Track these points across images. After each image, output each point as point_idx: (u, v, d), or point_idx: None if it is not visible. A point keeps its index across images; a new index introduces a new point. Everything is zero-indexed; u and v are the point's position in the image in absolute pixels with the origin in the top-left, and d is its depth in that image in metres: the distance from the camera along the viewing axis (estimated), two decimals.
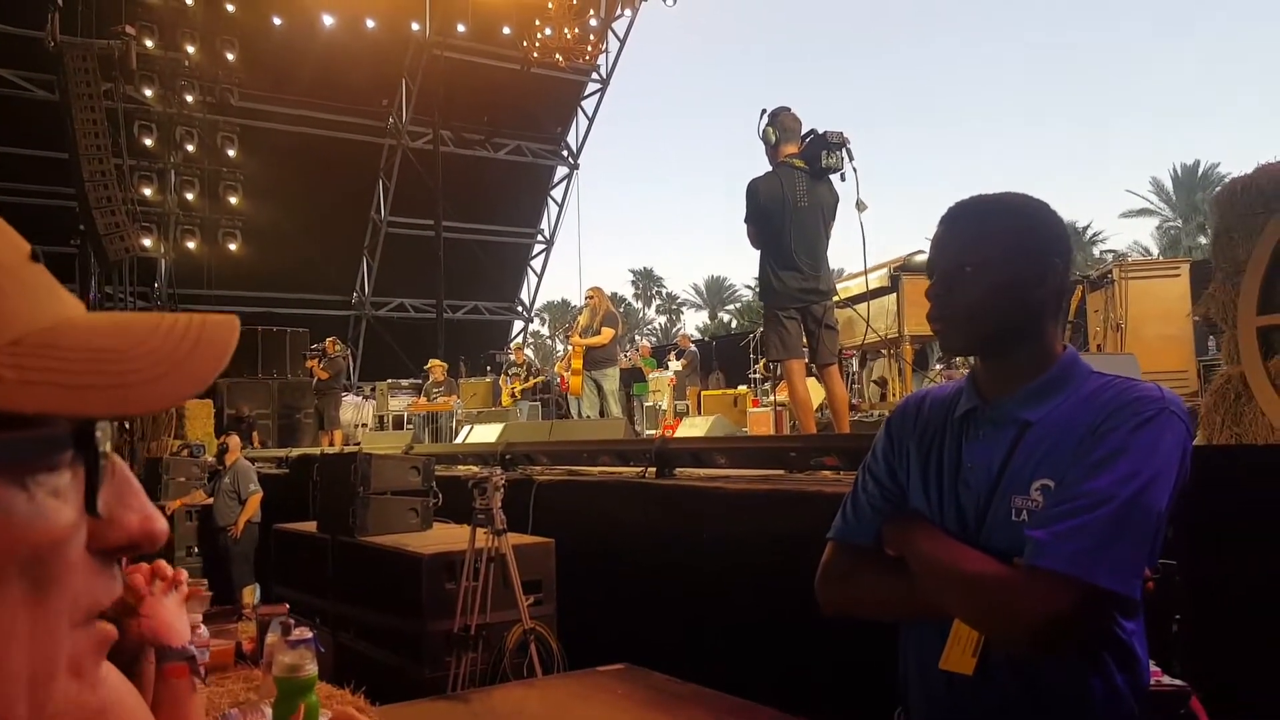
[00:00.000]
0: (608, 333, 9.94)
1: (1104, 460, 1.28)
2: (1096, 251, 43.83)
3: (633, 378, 13.51)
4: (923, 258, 6.66)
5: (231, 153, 17.58)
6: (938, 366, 8.58)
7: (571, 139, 23.73)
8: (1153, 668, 1.41)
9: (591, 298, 10.24)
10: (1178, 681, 1.46)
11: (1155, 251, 42.07)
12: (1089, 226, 46.37)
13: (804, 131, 5.40)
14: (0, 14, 15.82)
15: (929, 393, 1.59)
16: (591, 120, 23.52)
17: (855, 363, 10.45)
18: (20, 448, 0.38)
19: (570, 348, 10.31)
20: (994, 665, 1.34)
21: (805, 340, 5.40)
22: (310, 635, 1.59)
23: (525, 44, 18.52)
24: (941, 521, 1.43)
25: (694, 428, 8.94)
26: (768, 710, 2.09)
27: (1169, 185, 44.13)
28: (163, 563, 1.58)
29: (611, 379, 10.04)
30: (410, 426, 13.88)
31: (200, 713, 1.47)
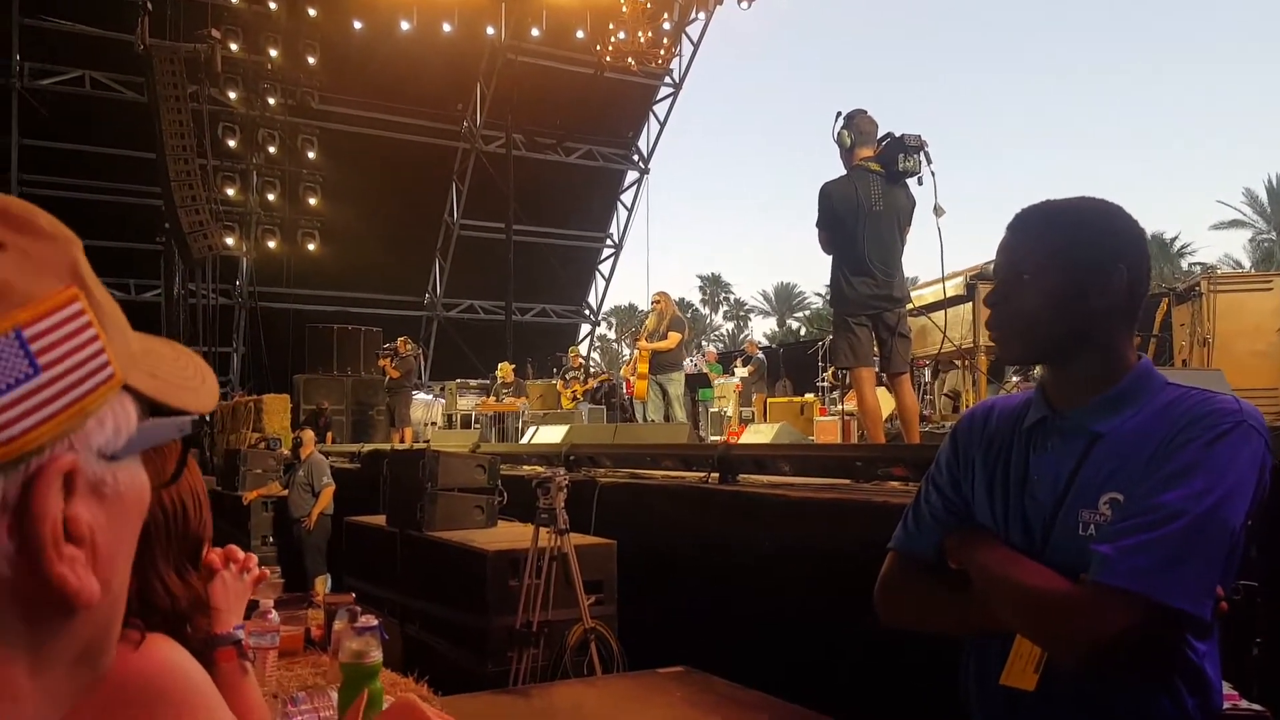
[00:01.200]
0: (674, 337, 9.94)
1: (1176, 474, 1.24)
2: (1185, 264, 42.37)
3: (698, 383, 13.47)
4: None
5: (311, 155, 18.06)
6: (1014, 378, 8.39)
7: (642, 143, 23.83)
8: (1229, 691, 1.36)
9: (658, 302, 10.25)
10: (1256, 706, 1.40)
11: (1247, 265, 40.44)
12: (1176, 238, 44.84)
13: (881, 134, 5.32)
14: (93, 18, 16.49)
15: (996, 402, 1.55)
16: (663, 124, 23.60)
17: (928, 373, 10.27)
18: (162, 432, 0.47)
19: (636, 352, 10.34)
20: (1056, 682, 1.31)
21: (876, 348, 5.31)
22: (375, 623, 1.62)
23: (599, 48, 18.62)
24: (1006, 534, 1.40)
25: (759, 435, 8.89)
26: None
27: (1263, 196, 42.37)
28: (234, 547, 1.63)
29: (677, 384, 10.03)
30: (477, 426, 14.06)
31: (253, 694, 1.50)
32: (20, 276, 0.41)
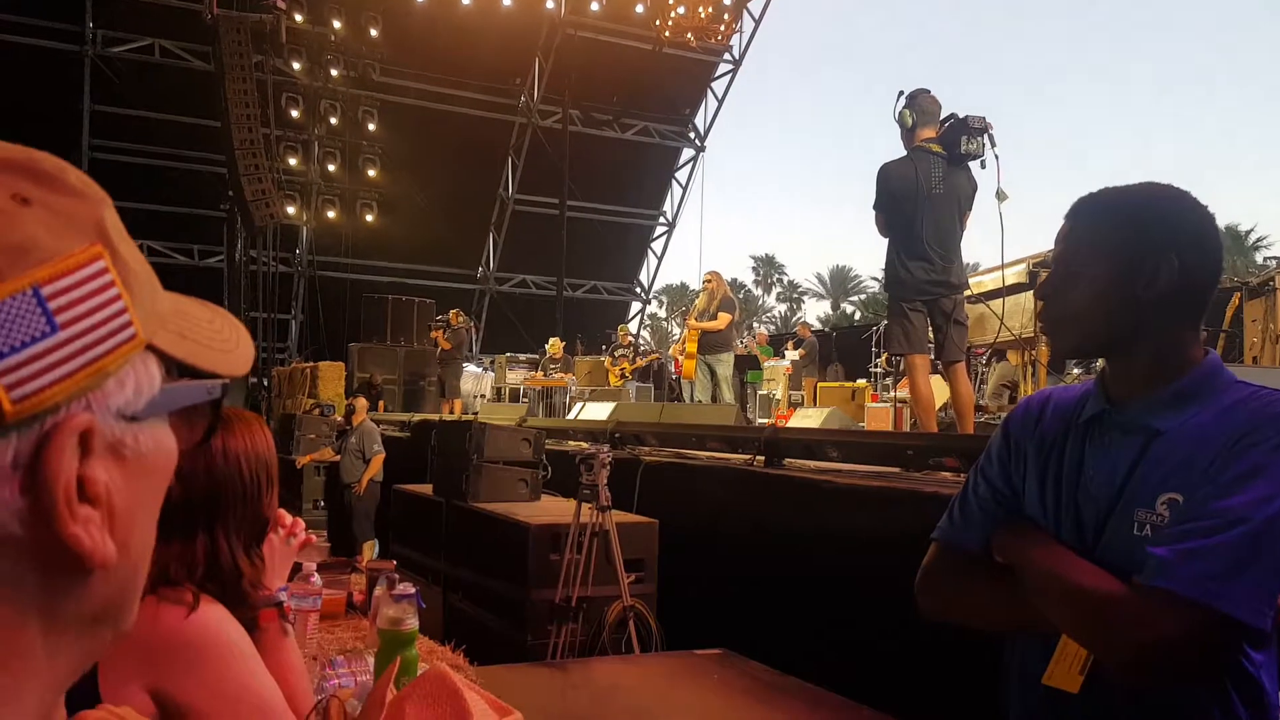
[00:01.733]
0: (724, 318, 9.88)
1: (1240, 478, 1.18)
2: (1260, 257, 41.03)
3: (748, 365, 13.40)
4: None
5: (371, 126, 18.25)
6: (1075, 370, 8.19)
7: (699, 120, 23.61)
8: None
9: (710, 281, 10.18)
10: None
11: None
12: (1252, 230, 43.40)
13: (944, 115, 5.19)
14: None
15: (1053, 394, 1.49)
16: (721, 102, 23.34)
17: (985, 361, 10.07)
18: (200, 390, 0.48)
19: (685, 331, 10.29)
20: (1102, 686, 1.26)
21: (932, 335, 5.21)
22: (413, 591, 1.63)
23: (658, 23, 18.46)
24: (1058, 530, 1.35)
25: (808, 419, 8.82)
26: (866, 710, 2.03)
27: None
28: (283, 511, 1.65)
29: (725, 364, 9.97)
30: (525, 400, 14.16)
31: (293, 655, 1.52)
32: (45, 233, 0.40)
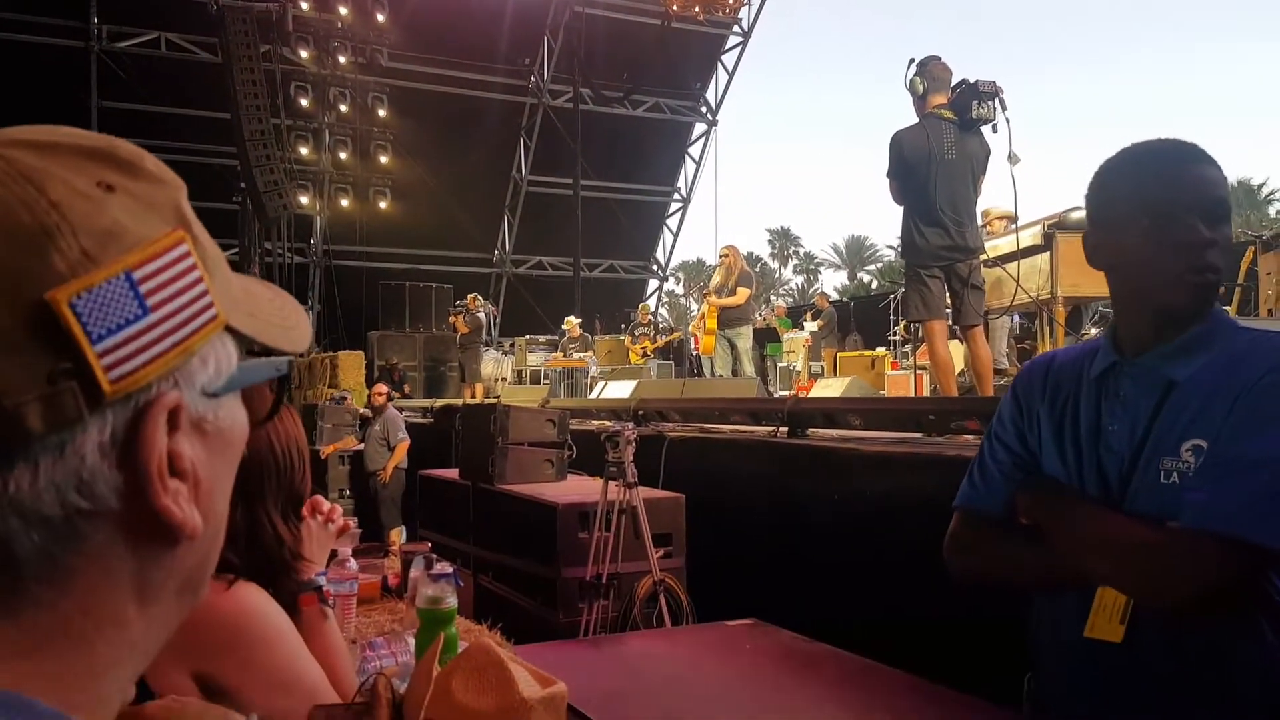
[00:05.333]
0: (743, 293, 9.86)
1: (1265, 420, 1.22)
2: (1273, 211, 40.44)
3: (767, 338, 13.39)
4: (1078, 215, 6.30)
5: (382, 113, 18.22)
6: (1093, 330, 8.14)
7: (710, 95, 23.46)
8: None
9: (726, 256, 10.16)
10: None
11: None
12: (1264, 184, 42.79)
13: (955, 81, 5.17)
14: None
15: (1055, 355, 1.53)
16: (731, 75, 23.18)
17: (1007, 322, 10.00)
18: (271, 367, 0.50)
19: (705, 307, 10.28)
20: (1143, 632, 1.29)
21: (949, 300, 5.21)
22: (450, 570, 1.66)
23: None
24: (1081, 485, 1.38)
25: (829, 389, 8.81)
26: (897, 672, 2.05)
27: None
28: (320, 498, 1.68)
29: (745, 338, 9.97)
30: (547, 381, 14.20)
31: (333, 637, 1.55)
32: (131, 219, 0.42)
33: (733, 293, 9.79)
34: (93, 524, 0.41)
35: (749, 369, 9.96)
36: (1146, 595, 1.28)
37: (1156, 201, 1.33)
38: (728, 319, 9.86)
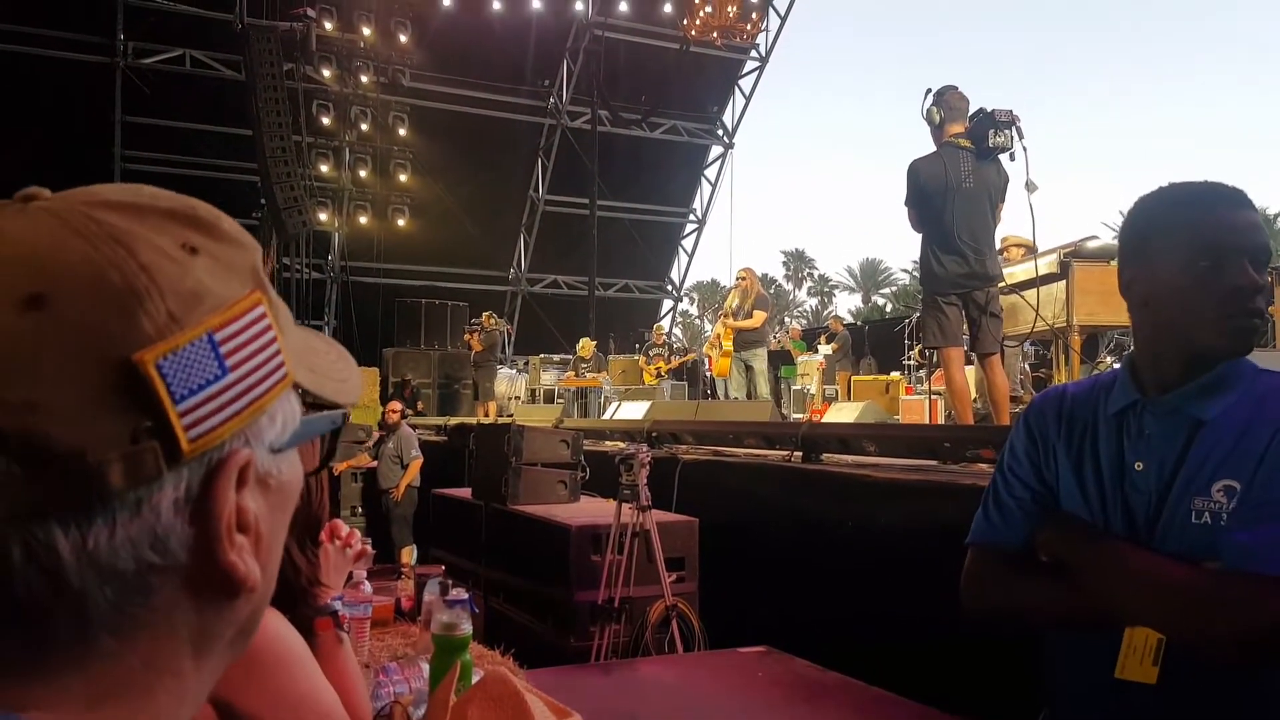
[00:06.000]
0: (759, 316, 9.88)
1: None
2: None
3: (781, 360, 13.36)
4: (1095, 243, 6.28)
5: (402, 132, 18.38)
6: (1108, 359, 8.10)
7: (727, 118, 23.56)
8: None
9: (743, 279, 10.17)
10: None
11: None
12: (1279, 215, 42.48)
13: (972, 110, 5.19)
14: None
15: (1066, 389, 1.51)
16: (748, 99, 23.27)
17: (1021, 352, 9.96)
18: (328, 421, 0.52)
19: (720, 328, 10.28)
20: (1177, 674, 1.28)
21: (966, 328, 5.21)
22: (466, 596, 1.66)
23: (685, 22, 18.45)
24: (1106, 523, 1.36)
25: (843, 413, 8.79)
26: (910, 703, 2.04)
27: None
28: (339, 522, 1.69)
29: (761, 360, 9.98)
30: (561, 401, 14.20)
31: (348, 662, 1.55)
32: (213, 281, 0.43)
33: (749, 315, 9.81)
34: (162, 578, 0.42)
35: (764, 391, 9.95)
36: (1188, 637, 1.26)
37: (1212, 243, 1.32)
38: (744, 341, 9.87)
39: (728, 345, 9.87)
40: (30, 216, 0.42)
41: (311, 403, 0.50)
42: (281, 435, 0.46)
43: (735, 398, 9.81)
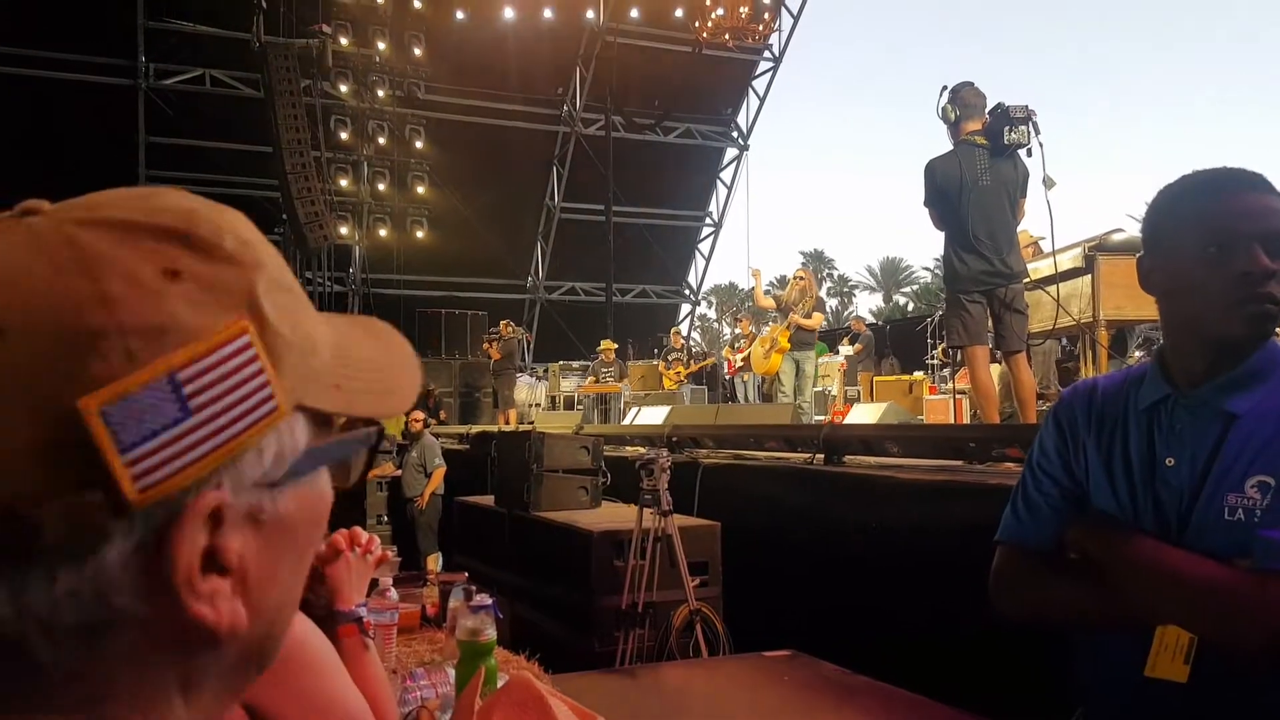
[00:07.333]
0: (818, 318, 9.95)
1: None
2: None
3: None
4: (1121, 236, 6.22)
5: (419, 144, 18.52)
6: (1137, 354, 8.01)
7: (741, 120, 23.56)
8: None
9: (802, 279, 10.11)
10: None
11: None
12: None
13: (989, 107, 5.16)
14: (212, 18, 17.25)
15: (1097, 382, 1.48)
16: (762, 100, 23.26)
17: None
18: (350, 444, 0.48)
19: (777, 326, 10.13)
20: (1209, 672, 1.25)
21: (991, 325, 5.17)
22: (490, 601, 1.66)
23: (696, 25, 18.48)
24: (1137, 520, 1.34)
25: (865, 414, 8.74)
26: (939, 705, 2.02)
27: None
28: (359, 529, 1.69)
29: (810, 361, 9.98)
30: (580, 407, 14.23)
31: (374, 668, 1.56)
32: (189, 310, 0.40)
33: (808, 316, 9.74)
34: (118, 631, 0.39)
35: (809, 391, 9.94)
36: (1221, 637, 1.24)
37: (1218, 228, 1.29)
38: (799, 341, 9.80)
39: (784, 343, 9.75)
40: (12, 236, 0.40)
41: (346, 423, 0.47)
42: (276, 469, 0.43)
43: (783, 396, 9.68)
